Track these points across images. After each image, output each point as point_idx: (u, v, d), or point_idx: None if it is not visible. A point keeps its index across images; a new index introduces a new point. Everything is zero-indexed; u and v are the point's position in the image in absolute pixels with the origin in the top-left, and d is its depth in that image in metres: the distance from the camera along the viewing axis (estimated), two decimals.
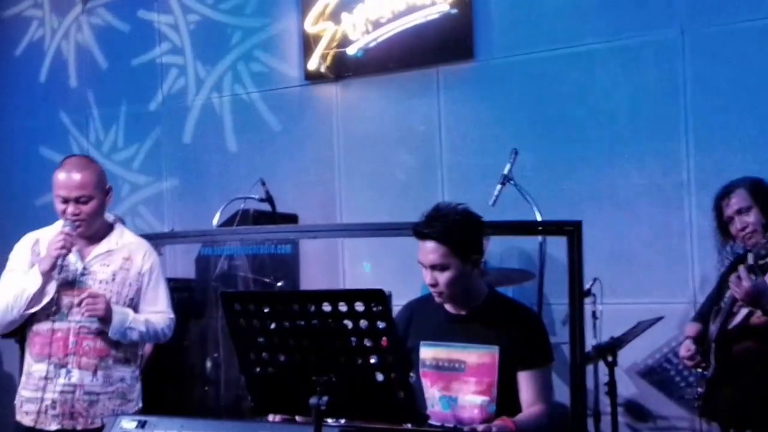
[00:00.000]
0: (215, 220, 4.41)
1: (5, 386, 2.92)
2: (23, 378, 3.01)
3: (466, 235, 2.51)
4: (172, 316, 3.15)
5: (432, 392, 2.56)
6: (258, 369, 2.09)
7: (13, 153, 6.18)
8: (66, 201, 2.94)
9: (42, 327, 2.96)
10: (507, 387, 2.49)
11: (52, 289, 2.92)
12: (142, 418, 2.30)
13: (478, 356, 2.50)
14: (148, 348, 4.31)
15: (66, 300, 2.95)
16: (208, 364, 4.40)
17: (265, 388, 2.12)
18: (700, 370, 3.29)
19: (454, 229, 2.48)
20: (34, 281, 2.88)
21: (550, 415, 2.49)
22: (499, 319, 2.55)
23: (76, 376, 2.92)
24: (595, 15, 4.44)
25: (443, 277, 2.50)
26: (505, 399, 2.48)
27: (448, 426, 2.47)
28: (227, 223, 4.46)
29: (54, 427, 2.92)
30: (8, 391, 3.30)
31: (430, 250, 2.49)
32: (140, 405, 3.12)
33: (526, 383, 2.50)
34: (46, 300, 2.92)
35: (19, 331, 3.03)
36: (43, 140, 6.04)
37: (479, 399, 2.47)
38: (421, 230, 2.50)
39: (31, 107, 6.18)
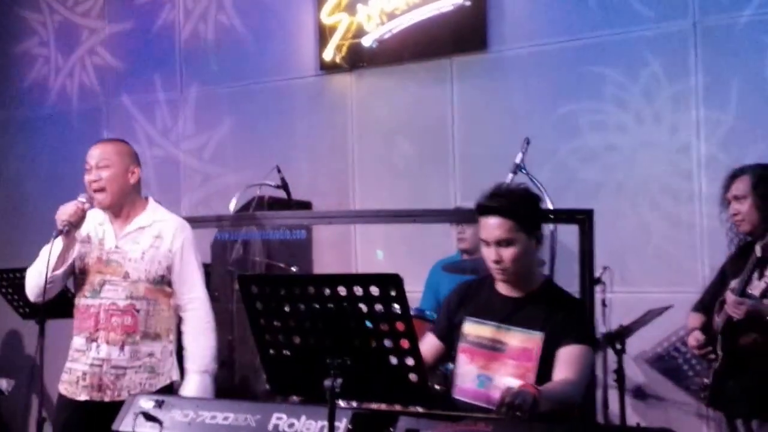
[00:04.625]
0: (231, 206, 4.47)
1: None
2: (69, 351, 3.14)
3: (530, 209, 2.51)
4: (203, 297, 3.15)
5: (469, 368, 2.52)
6: (273, 351, 2.12)
7: None
8: (90, 170, 3.05)
9: (80, 303, 3.10)
10: (545, 376, 2.41)
11: (73, 253, 3.01)
12: (160, 398, 2.35)
13: (522, 340, 2.46)
14: None
15: (98, 277, 3.05)
16: (224, 346, 4.47)
17: (281, 369, 2.15)
18: (711, 358, 3.30)
19: (520, 203, 2.48)
20: (56, 244, 2.94)
21: (580, 392, 2.38)
22: (551, 307, 2.49)
23: (104, 350, 3.01)
24: (608, 6, 4.45)
25: (508, 253, 2.46)
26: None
27: (478, 405, 2.44)
28: (243, 209, 4.51)
29: (83, 397, 3.03)
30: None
31: (495, 225, 2.45)
32: (174, 378, 3.13)
33: (563, 358, 2.40)
34: (66, 264, 3.00)
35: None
36: None
37: (515, 382, 2.40)
38: (486, 204, 2.47)
39: None
